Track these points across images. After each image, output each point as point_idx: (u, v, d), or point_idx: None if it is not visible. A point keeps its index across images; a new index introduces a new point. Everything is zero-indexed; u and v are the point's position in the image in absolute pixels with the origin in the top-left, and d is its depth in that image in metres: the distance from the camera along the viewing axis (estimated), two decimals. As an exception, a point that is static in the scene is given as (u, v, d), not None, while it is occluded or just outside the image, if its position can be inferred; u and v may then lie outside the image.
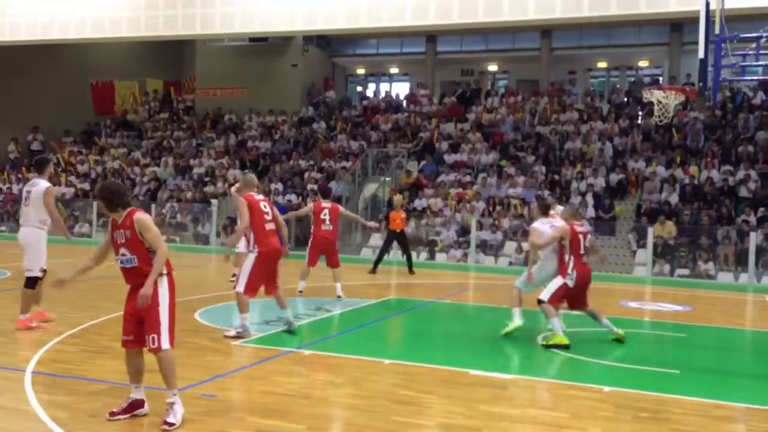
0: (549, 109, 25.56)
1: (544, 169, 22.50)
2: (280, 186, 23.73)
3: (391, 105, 28.50)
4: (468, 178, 22.94)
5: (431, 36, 29.60)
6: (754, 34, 9.40)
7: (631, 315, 11.85)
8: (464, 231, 20.72)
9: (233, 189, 12.71)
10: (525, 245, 19.76)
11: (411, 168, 24.17)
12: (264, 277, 8.79)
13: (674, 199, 20.45)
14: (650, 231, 18.87)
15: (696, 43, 9.27)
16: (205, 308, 10.62)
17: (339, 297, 12.08)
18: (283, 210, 18.08)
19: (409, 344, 9.73)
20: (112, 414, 5.61)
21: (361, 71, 33.18)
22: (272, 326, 9.46)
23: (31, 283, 8.84)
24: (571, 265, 8.96)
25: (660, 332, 10.78)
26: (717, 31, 8.92)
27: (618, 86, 27.87)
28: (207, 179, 25.46)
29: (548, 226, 9.27)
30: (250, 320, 8.83)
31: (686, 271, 18.69)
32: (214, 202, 23.30)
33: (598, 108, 25.62)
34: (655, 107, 12.11)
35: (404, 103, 28.67)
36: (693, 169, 21.40)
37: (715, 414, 6.41)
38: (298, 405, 6.17)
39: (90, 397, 6.16)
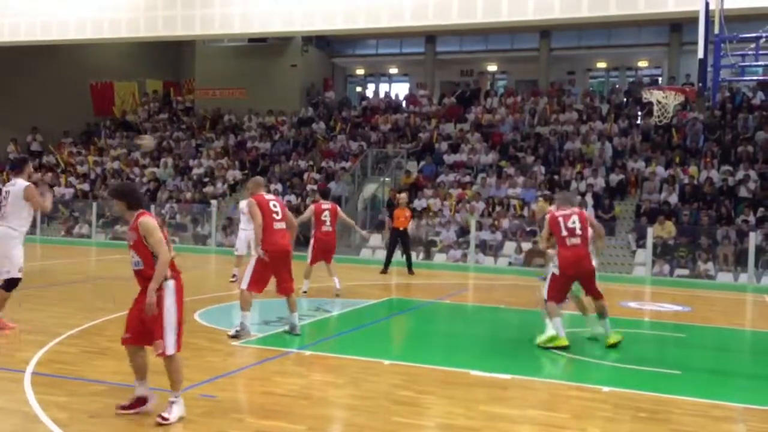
0: (548, 110, 25.56)
1: (543, 169, 22.49)
2: (279, 186, 23.73)
3: (391, 105, 28.47)
4: (467, 179, 22.93)
5: (430, 36, 29.59)
6: (754, 35, 9.39)
7: (630, 315, 11.83)
8: (464, 231, 20.72)
9: (242, 204, 12.94)
10: (525, 245, 19.84)
11: (410, 168, 24.16)
12: (269, 275, 8.81)
13: (674, 199, 20.45)
14: (650, 231, 18.86)
15: (695, 43, 9.25)
16: (204, 309, 10.62)
17: (337, 291, 12.25)
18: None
19: (409, 345, 9.74)
20: (121, 408, 5.73)
21: (360, 72, 33.17)
22: (272, 326, 9.47)
23: (9, 285, 8.61)
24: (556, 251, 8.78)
25: (659, 332, 10.79)
26: (716, 31, 8.91)
27: (617, 86, 27.84)
28: (206, 180, 25.47)
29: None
30: (250, 320, 8.82)
31: (686, 272, 18.67)
32: (213, 202, 23.30)
33: (598, 108, 25.59)
34: (655, 107, 12.08)
35: (404, 104, 28.63)
36: (692, 169, 21.40)
37: (714, 414, 6.42)
38: (298, 406, 6.18)
39: (90, 397, 6.17)
